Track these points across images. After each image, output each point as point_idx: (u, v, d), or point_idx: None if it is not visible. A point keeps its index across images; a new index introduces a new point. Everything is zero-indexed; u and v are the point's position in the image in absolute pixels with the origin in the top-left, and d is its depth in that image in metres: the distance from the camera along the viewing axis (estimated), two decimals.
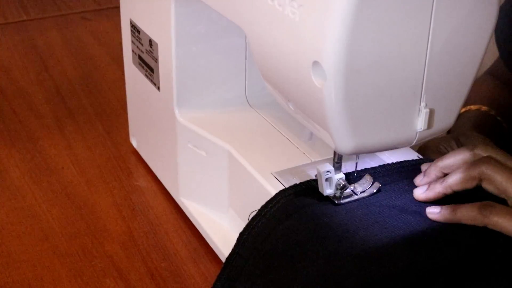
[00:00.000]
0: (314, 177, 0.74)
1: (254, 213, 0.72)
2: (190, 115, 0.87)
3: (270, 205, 0.71)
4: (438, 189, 0.69)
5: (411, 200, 0.71)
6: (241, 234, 0.72)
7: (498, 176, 0.66)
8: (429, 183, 0.71)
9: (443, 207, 0.68)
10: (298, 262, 0.65)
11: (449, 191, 0.69)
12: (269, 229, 0.70)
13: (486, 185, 0.67)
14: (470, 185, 0.68)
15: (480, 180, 0.67)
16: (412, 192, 0.71)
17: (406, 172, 0.75)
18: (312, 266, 0.64)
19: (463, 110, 0.97)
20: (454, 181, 0.68)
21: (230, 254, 0.72)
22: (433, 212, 0.68)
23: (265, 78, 0.70)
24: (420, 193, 0.71)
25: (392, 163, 0.76)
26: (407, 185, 0.73)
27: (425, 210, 0.69)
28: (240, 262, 0.71)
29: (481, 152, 0.69)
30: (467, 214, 0.66)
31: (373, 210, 0.70)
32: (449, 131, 0.90)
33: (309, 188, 0.72)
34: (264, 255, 0.68)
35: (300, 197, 0.71)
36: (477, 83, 1.02)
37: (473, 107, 0.97)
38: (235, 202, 0.83)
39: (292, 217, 0.69)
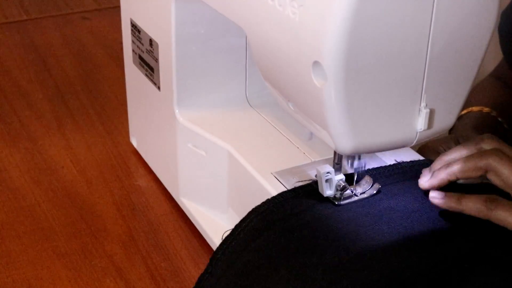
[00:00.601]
0: (296, 185, 0.73)
1: (227, 233, 0.71)
2: (190, 115, 0.87)
3: (244, 224, 0.71)
4: (442, 175, 0.68)
5: (394, 207, 0.70)
6: (214, 253, 0.71)
7: (505, 169, 0.65)
8: (433, 172, 0.69)
9: (448, 194, 0.66)
10: (269, 278, 0.64)
11: (453, 178, 0.67)
12: (241, 248, 0.69)
13: (491, 177, 0.65)
14: (475, 174, 0.66)
15: (486, 171, 0.66)
16: (402, 196, 0.70)
17: (395, 176, 0.74)
18: (283, 282, 0.63)
19: (464, 111, 0.96)
20: (459, 168, 0.67)
21: (201, 274, 0.71)
22: (436, 196, 0.67)
23: (265, 78, 0.70)
24: (424, 181, 0.69)
25: (378, 167, 0.74)
26: (389, 191, 0.71)
27: (409, 218, 0.68)
28: (211, 281, 0.70)
29: (487, 146, 0.68)
30: (473, 205, 0.65)
31: (348, 220, 0.68)
32: (450, 132, 0.90)
33: (283, 201, 0.71)
34: (236, 273, 0.68)
35: (273, 213, 0.70)
36: (480, 85, 1.02)
37: (474, 108, 0.96)
38: (235, 202, 0.83)
39: (265, 234, 0.68)
